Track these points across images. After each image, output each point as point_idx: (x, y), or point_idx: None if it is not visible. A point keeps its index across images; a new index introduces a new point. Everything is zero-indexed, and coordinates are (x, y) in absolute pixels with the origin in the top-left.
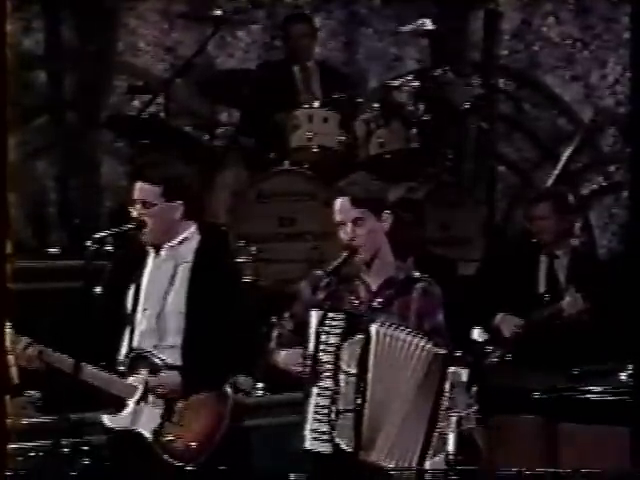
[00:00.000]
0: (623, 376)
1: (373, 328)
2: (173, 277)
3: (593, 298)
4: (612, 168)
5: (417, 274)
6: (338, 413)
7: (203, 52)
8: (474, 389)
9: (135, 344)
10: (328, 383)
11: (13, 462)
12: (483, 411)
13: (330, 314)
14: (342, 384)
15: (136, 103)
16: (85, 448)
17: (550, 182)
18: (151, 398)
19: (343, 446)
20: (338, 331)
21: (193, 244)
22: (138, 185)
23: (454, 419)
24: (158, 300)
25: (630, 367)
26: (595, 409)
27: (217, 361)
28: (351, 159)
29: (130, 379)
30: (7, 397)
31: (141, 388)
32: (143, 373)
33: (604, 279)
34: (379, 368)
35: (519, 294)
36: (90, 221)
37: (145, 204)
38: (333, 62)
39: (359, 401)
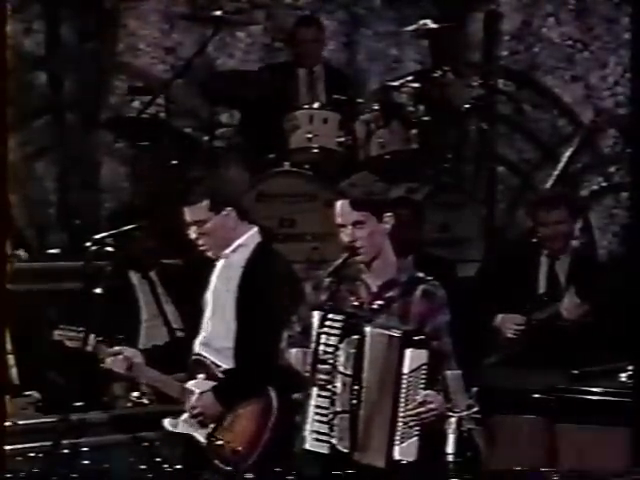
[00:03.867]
0: (623, 377)
1: (368, 329)
2: (227, 283)
3: (593, 299)
4: (612, 169)
5: (420, 274)
6: (335, 414)
7: (203, 53)
8: (474, 389)
9: (196, 349)
10: (327, 384)
11: (13, 462)
12: (483, 411)
13: (330, 315)
14: (339, 385)
15: (136, 104)
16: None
17: (550, 183)
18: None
19: (339, 447)
20: (336, 332)
21: (250, 248)
22: (186, 209)
23: (454, 419)
24: (215, 306)
25: (630, 368)
26: (595, 409)
27: (257, 366)
28: (351, 160)
29: (189, 383)
30: (7, 397)
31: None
32: (200, 377)
33: (604, 280)
34: (373, 369)
35: (519, 295)
36: (90, 222)
37: (198, 224)
38: (339, 66)
39: (354, 402)
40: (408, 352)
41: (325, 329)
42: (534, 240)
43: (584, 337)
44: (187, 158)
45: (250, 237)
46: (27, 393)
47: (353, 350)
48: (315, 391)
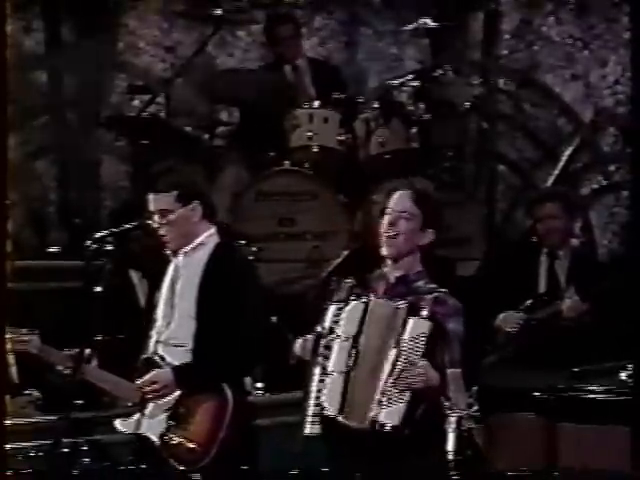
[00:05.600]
0: (623, 376)
1: (372, 297)
2: (188, 282)
3: (593, 298)
4: (612, 168)
5: (435, 285)
6: (327, 375)
7: (203, 52)
8: (474, 389)
9: (151, 348)
10: (327, 361)
11: (13, 462)
12: (483, 411)
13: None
14: (336, 348)
15: (136, 103)
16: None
17: (550, 182)
18: (154, 401)
19: (328, 408)
20: (341, 304)
21: (210, 247)
22: (151, 197)
23: (454, 418)
24: (172, 304)
25: (630, 367)
26: (595, 409)
27: (217, 360)
28: (351, 159)
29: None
30: (7, 397)
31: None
32: None
33: (604, 279)
34: (374, 333)
35: (519, 294)
36: (90, 221)
37: (162, 213)
38: (325, 57)
39: (350, 364)
40: (411, 320)
41: (332, 305)
42: (534, 239)
43: (584, 336)
44: (187, 157)
45: (209, 236)
46: (27, 392)
47: (357, 315)
48: (316, 375)
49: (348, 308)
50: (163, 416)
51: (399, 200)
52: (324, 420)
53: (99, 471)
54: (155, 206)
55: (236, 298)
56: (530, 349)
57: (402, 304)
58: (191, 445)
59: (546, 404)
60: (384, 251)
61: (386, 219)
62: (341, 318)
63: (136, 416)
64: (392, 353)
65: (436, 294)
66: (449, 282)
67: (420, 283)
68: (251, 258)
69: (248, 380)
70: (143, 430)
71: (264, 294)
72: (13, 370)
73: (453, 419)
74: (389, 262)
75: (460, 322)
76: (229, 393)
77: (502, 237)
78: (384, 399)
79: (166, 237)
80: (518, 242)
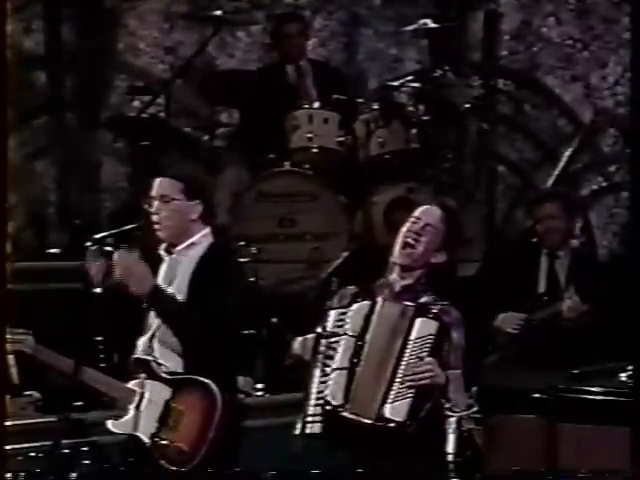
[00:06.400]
0: (623, 376)
1: (379, 297)
2: (179, 281)
3: (593, 298)
4: (612, 168)
5: (437, 298)
6: (328, 374)
7: (203, 53)
8: (474, 389)
9: (141, 348)
10: (329, 359)
11: (13, 462)
12: (483, 411)
13: (340, 292)
14: (341, 346)
15: (136, 104)
16: (85, 449)
17: (550, 182)
18: (147, 402)
19: (332, 402)
20: (346, 302)
21: (203, 247)
22: (158, 180)
23: (454, 419)
24: None
25: (630, 367)
26: (595, 409)
27: (208, 361)
28: (351, 160)
29: (130, 383)
30: (7, 397)
31: (138, 392)
32: (142, 377)
33: (604, 279)
34: (380, 332)
35: (519, 295)
36: (90, 221)
37: (164, 199)
38: (325, 58)
39: (355, 360)
40: (419, 320)
41: (334, 304)
42: (534, 240)
43: (584, 337)
44: (187, 157)
45: (203, 236)
46: (27, 393)
47: (363, 315)
48: (317, 375)
49: (354, 308)
50: (154, 417)
51: (428, 212)
52: (325, 417)
53: (97, 472)
54: (159, 190)
55: (217, 296)
56: (530, 350)
57: (410, 305)
58: (180, 446)
59: (546, 405)
60: (397, 259)
61: (409, 226)
62: (345, 320)
63: (128, 416)
64: (399, 352)
65: (439, 307)
66: (450, 284)
67: (425, 296)
68: (245, 259)
69: (241, 380)
70: (135, 430)
71: (248, 295)
72: (13, 371)
73: (453, 420)
74: (398, 270)
75: (462, 333)
76: (218, 393)
77: (502, 237)
78: (391, 395)
79: (160, 225)
80: (518, 242)
